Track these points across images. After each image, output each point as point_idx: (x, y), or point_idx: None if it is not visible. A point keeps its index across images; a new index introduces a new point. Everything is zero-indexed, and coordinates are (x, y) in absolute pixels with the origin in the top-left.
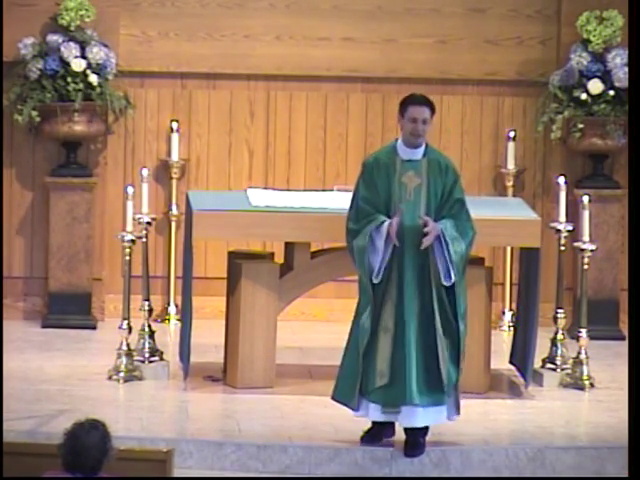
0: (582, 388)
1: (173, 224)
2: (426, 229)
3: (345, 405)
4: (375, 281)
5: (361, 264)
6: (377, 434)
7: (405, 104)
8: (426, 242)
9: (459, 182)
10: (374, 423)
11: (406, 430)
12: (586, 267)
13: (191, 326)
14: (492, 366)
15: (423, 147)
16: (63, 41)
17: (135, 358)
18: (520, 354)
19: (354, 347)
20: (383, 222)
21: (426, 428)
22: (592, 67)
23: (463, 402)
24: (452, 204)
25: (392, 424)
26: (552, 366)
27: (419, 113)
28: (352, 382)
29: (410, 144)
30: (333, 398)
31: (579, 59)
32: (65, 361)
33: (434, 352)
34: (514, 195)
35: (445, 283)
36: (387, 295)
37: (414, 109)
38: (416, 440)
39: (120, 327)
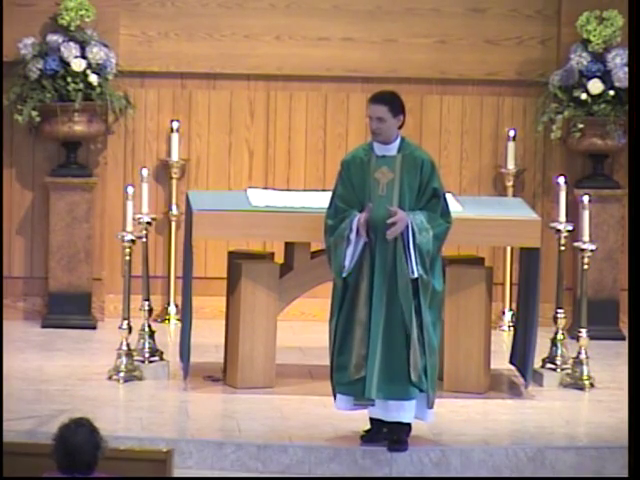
0: (582, 388)
1: (173, 224)
2: (392, 219)
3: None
4: (343, 275)
5: (335, 259)
6: (377, 433)
7: (368, 102)
8: (391, 234)
9: (436, 174)
10: (372, 422)
11: (389, 426)
12: (586, 267)
13: (191, 326)
14: (492, 366)
15: (397, 143)
16: (63, 41)
17: (135, 358)
18: (520, 354)
19: (332, 344)
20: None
21: (407, 425)
22: (592, 67)
23: (463, 402)
24: (429, 196)
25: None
26: (552, 366)
27: (373, 111)
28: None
29: (375, 141)
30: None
31: (579, 59)
32: (65, 361)
33: (403, 346)
34: (514, 195)
35: (410, 276)
36: (360, 289)
37: (370, 107)
38: (397, 436)
39: (120, 327)
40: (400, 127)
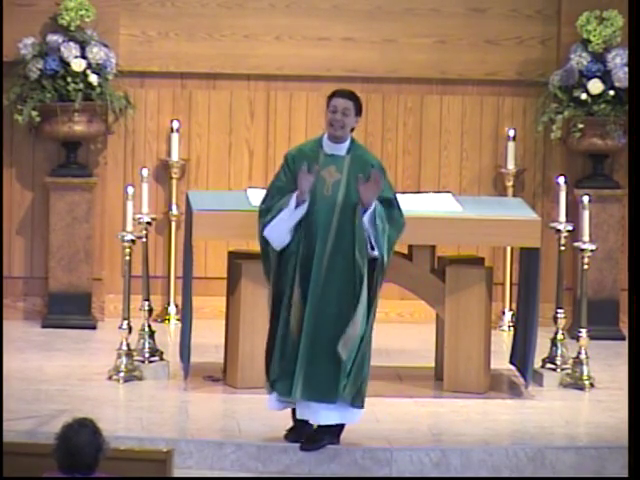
0: (582, 388)
1: (173, 224)
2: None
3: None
4: (277, 249)
5: (268, 236)
6: (301, 431)
7: (330, 97)
8: (366, 194)
9: (387, 181)
10: (295, 421)
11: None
12: (586, 267)
13: (191, 326)
14: (492, 366)
15: (347, 143)
16: (63, 41)
17: (135, 358)
18: (520, 354)
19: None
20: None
21: (328, 426)
22: (592, 67)
23: (463, 402)
24: (381, 205)
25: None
26: (552, 366)
27: (340, 103)
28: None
29: (331, 136)
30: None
31: (579, 59)
32: (65, 361)
33: (333, 349)
34: (514, 195)
35: (372, 254)
36: (295, 289)
37: (336, 100)
38: (313, 434)
39: (120, 327)
40: (352, 130)
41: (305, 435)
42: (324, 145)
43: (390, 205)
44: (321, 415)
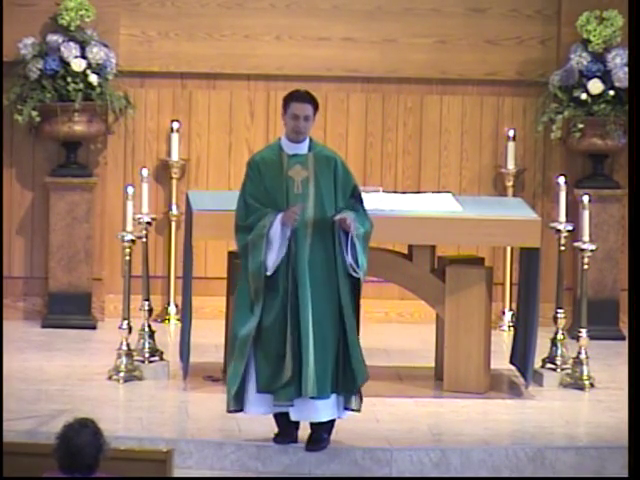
0: (582, 388)
1: (173, 224)
2: (339, 217)
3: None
4: (268, 273)
5: (253, 258)
6: (288, 432)
7: (287, 100)
8: (343, 222)
9: (351, 173)
10: (282, 425)
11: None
12: (586, 267)
13: (191, 326)
14: (492, 366)
15: (307, 141)
16: (63, 41)
17: (135, 358)
18: (520, 354)
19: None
20: (277, 215)
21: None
22: (592, 67)
23: (463, 402)
24: (349, 195)
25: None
26: (552, 366)
27: (300, 110)
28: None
29: (292, 140)
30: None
31: (579, 59)
32: (65, 361)
33: (332, 345)
34: (514, 195)
35: (352, 271)
36: (279, 290)
37: (295, 106)
38: (315, 434)
39: (120, 327)
40: None
41: (304, 437)
42: (284, 147)
43: (355, 195)
44: (321, 412)
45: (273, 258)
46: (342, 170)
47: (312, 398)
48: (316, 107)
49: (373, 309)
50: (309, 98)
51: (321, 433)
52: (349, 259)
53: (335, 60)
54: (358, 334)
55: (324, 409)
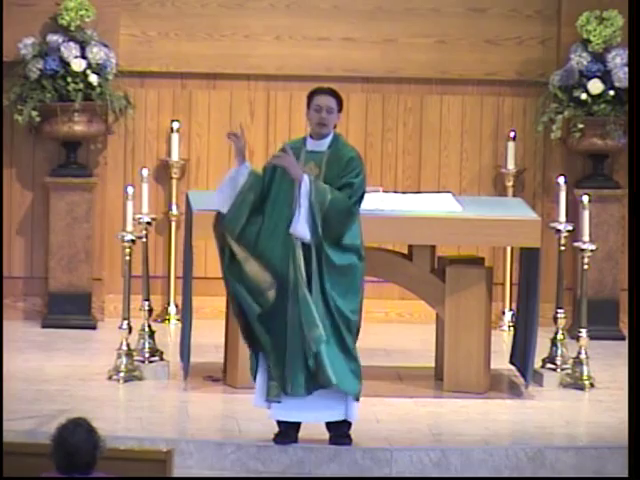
0: (582, 388)
1: (173, 224)
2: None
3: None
4: (223, 211)
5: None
6: (289, 433)
7: (311, 95)
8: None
9: (358, 171)
10: (280, 423)
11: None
12: (586, 267)
13: (191, 326)
14: (492, 366)
15: (330, 139)
16: (63, 41)
17: (135, 358)
18: (520, 354)
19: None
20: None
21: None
22: (592, 67)
23: (463, 402)
24: (340, 186)
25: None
26: (552, 366)
27: (323, 101)
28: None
29: (316, 134)
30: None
31: (579, 59)
32: (65, 361)
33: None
34: (514, 195)
35: (300, 235)
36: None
37: (319, 98)
38: (339, 432)
39: (120, 327)
40: (335, 126)
41: (304, 437)
42: (307, 143)
43: (348, 186)
44: (305, 413)
45: (221, 195)
46: (351, 167)
47: (294, 397)
48: (340, 103)
49: (373, 309)
50: (333, 93)
51: (343, 429)
52: (297, 218)
53: (335, 60)
54: (345, 341)
55: (311, 410)
